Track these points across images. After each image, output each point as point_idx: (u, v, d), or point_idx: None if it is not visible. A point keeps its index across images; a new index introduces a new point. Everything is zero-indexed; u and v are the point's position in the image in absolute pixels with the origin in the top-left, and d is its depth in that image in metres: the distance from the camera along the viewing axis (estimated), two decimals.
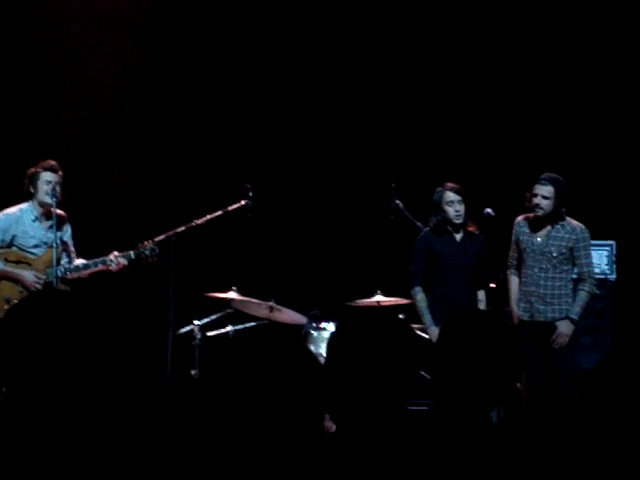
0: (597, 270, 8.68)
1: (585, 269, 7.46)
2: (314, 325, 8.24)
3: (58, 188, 7.28)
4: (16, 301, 7.06)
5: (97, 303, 2.77)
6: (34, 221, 7.37)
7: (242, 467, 2.51)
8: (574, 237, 7.40)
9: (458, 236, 7.68)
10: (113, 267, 7.45)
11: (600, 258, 8.87)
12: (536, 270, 7.41)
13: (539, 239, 7.42)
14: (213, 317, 8.27)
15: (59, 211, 7.34)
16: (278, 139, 9.82)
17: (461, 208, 7.58)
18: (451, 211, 7.58)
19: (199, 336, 8.07)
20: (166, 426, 2.83)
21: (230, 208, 8.17)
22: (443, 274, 7.62)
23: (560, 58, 9.73)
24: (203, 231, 8.13)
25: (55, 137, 9.29)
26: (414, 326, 7.61)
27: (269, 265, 9.49)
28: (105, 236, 8.21)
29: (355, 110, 9.87)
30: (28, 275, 7.26)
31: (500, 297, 7.63)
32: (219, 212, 8.12)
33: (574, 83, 9.71)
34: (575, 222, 7.45)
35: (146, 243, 7.57)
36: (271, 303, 8.25)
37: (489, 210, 7.64)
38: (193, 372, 7.96)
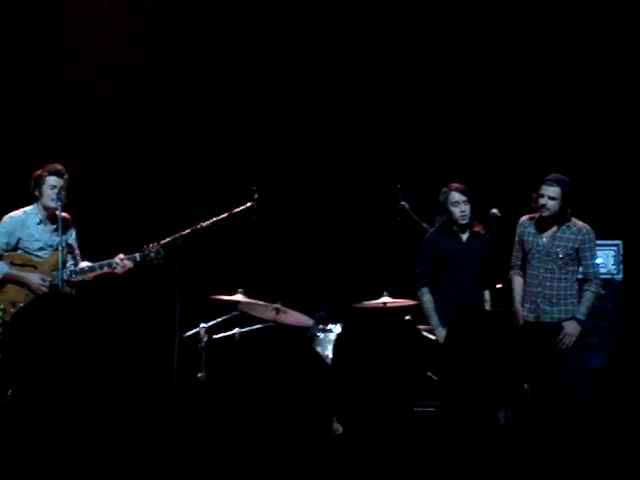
0: (604, 270, 8.67)
1: (591, 269, 7.46)
2: (320, 327, 8.23)
3: (63, 192, 7.28)
4: (22, 304, 7.09)
5: (103, 306, 2.76)
6: (39, 224, 7.37)
7: (249, 469, 2.50)
8: (580, 238, 7.39)
9: (464, 236, 7.67)
10: (118, 270, 7.45)
11: (607, 258, 8.86)
12: (542, 271, 7.40)
13: (544, 240, 7.40)
14: (219, 320, 8.27)
15: (64, 214, 7.34)
16: (283, 141, 9.82)
17: (467, 208, 7.57)
18: (457, 211, 7.57)
19: (205, 339, 8.08)
20: (173, 428, 2.83)
21: (236, 210, 8.18)
22: (450, 275, 7.61)
23: (566, 58, 9.72)
24: (209, 233, 8.13)
25: (60, 139, 9.30)
26: (421, 327, 7.60)
27: (275, 267, 9.49)
28: (111, 239, 8.21)
29: (360, 112, 9.87)
30: (34, 278, 7.26)
31: (506, 297, 7.61)
32: (225, 214, 8.12)
33: (580, 83, 9.70)
34: (580, 223, 7.44)
35: (151, 245, 7.57)
36: (277, 305, 8.25)
37: (495, 211, 7.63)
38: (200, 375, 7.96)
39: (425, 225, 8.07)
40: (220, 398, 2.57)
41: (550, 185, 7.29)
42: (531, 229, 7.46)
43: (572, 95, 9.71)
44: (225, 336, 8.29)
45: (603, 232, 8.34)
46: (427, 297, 7.63)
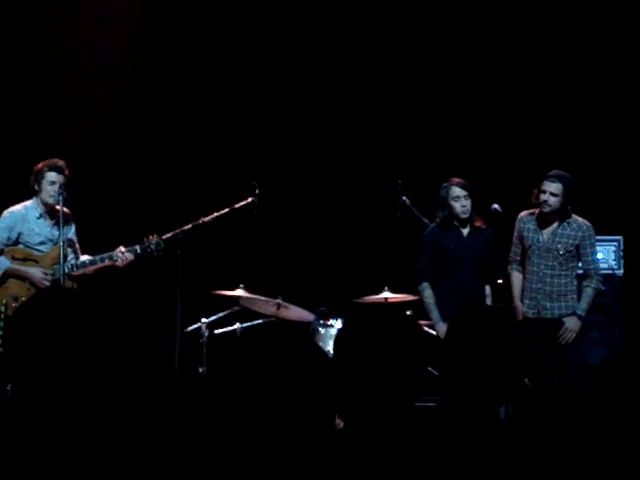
0: (604, 265, 8.67)
1: (592, 266, 7.46)
2: (321, 322, 8.24)
3: (64, 187, 7.26)
4: (24, 299, 7.10)
5: (105, 301, 2.77)
6: (39, 218, 7.37)
7: (250, 463, 2.51)
8: (580, 234, 7.39)
9: (465, 231, 7.66)
10: (119, 262, 7.45)
11: (607, 253, 8.86)
12: (542, 267, 7.40)
13: (545, 236, 7.40)
14: (220, 315, 8.28)
15: (64, 208, 7.33)
16: (284, 136, 9.81)
17: (467, 203, 7.57)
18: (457, 206, 7.57)
19: (207, 334, 8.09)
20: (174, 423, 2.83)
21: (237, 205, 8.17)
22: (450, 270, 7.61)
23: (567, 54, 9.71)
24: (210, 229, 8.13)
25: (62, 132, 9.29)
26: (422, 322, 7.61)
27: (276, 262, 9.49)
28: (112, 235, 8.20)
29: (361, 107, 9.86)
30: (36, 272, 7.27)
31: (507, 293, 7.61)
32: (226, 210, 8.12)
33: (580, 80, 9.69)
34: (580, 219, 7.43)
35: (151, 237, 7.57)
36: (278, 300, 8.25)
37: (496, 206, 7.63)
38: (201, 370, 7.98)
39: (426, 220, 8.06)
40: (221, 393, 2.57)
41: (552, 181, 7.28)
42: (531, 225, 7.45)
43: (572, 91, 9.70)
44: (226, 331, 8.30)
45: (604, 227, 8.34)
46: (428, 292, 7.62)
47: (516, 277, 7.58)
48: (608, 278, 8.53)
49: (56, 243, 7.33)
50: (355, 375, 2.73)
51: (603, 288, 7.69)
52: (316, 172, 9.75)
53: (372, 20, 9.84)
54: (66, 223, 7.37)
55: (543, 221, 7.41)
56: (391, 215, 8.36)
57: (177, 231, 7.83)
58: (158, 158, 9.66)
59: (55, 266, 7.31)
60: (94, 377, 2.61)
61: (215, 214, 8.07)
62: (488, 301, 7.64)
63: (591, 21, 9.65)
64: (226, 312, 8.30)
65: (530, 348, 6.94)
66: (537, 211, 7.43)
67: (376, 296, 8.35)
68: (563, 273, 7.40)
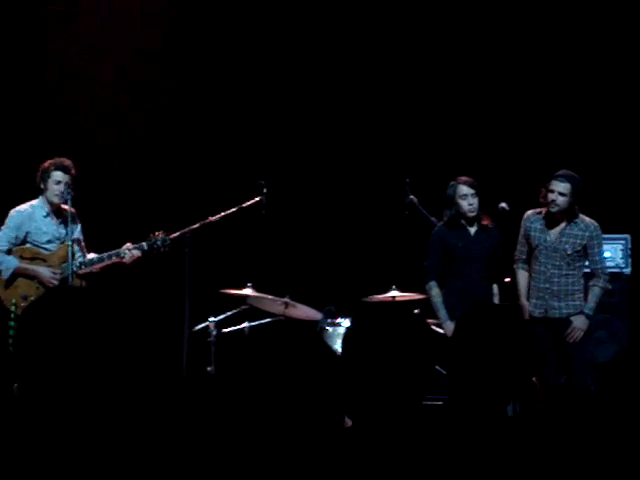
0: (612, 264, 8.66)
1: (599, 265, 7.46)
2: (329, 321, 8.24)
3: (71, 186, 7.27)
4: (33, 298, 7.12)
5: (113, 300, 2.78)
6: (45, 217, 7.39)
7: (257, 462, 2.52)
8: (587, 234, 7.38)
9: (472, 230, 7.66)
10: (127, 259, 7.47)
11: (615, 252, 8.85)
12: (549, 267, 7.40)
13: (552, 236, 7.40)
14: (229, 314, 8.29)
15: (68, 207, 7.35)
16: (291, 135, 9.82)
17: (475, 201, 7.57)
18: (465, 204, 7.57)
19: (215, 333, 8.10)
20: (183, 422, 2.84)
21: (244, 205, 8.18)
22: (458, 268, 7.61)
23: (574, 53, 9.70)
24: (218, 228, 8.14)
25: (69, 129, 9.30)
26: (429, 321, 7.61)
27: (284, 261, 9.49)
28: (121, 234, 8.21)
29: (369, 106, 9.86)
30: (45, 271, 7.29)
31: (515, 291, 7.61)
32: (234, 209, 8.13)
33: (588, 78, 9.68)
34: (588, 219, 7.43)
35: (157, 234, 7.60)
36: (286, 299, 8.26)
37: (504, 204, 7.63)
38: (209, 369, 7.99)
39: (433, 219, 8.07)
40: (229, 391, 2.58)
41: (561, 181, 7.28)
42: (538, 225, 7.44)
43: (579, 89, 9.69)
44: (234, 330, 8.31)
45: (611, 226, 8.34)
46: (435, 291, 7.62)
47: (522, 276, 7.58)
48: (615, 276, 8.52)
49: (63, 242, 7.35)
50: (363, 374, 2.74)
51: (610, 287, 7.69)
52: (324, 171, 9.75)
53: (381, 19, 9.84)
54: (72, 222, 7.38)
55: (551, 221, 7.40)
56: (399, 214, 8.36)
57: (185, 230, 7.84)
58: (166, 157, 9.67)
59: (63, 265, 7.33)
60: (102, 376, 2.62)
61: (223, 213, 8.08)
62: (496, 300, 7.64)
63: (601, 17, 9.63)
64: (234, 311, 8.30)
65: (538, 347, 6.95)
66: (544, 210, 7.42)
67: (384, 295, 8.35)
68: (570, 273, 7.39)
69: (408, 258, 8.75)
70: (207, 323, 8.14)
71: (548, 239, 7.39)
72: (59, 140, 8.85)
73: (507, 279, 7.79)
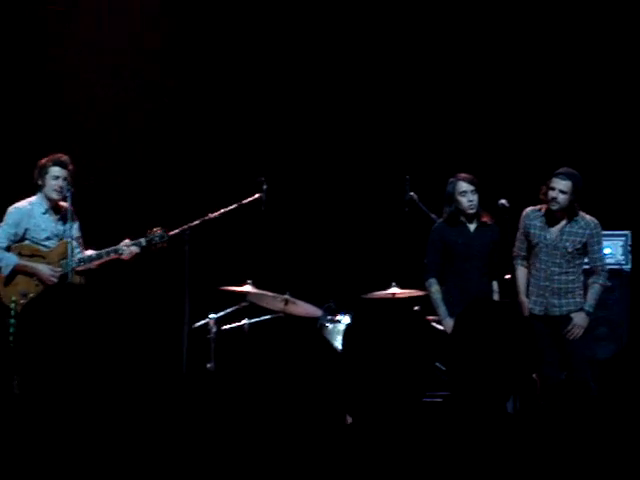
0: (612, 260, 8.66)
1: (599, 262, 7.47)
2: (329, 318, 8.24)
3: (68, 180, 7.27)
4: (32, 295, 7.11)
5: (113, 297, 2.78)
6: (44, 214, 7.39)
7: (257, 459, 2.52)
8: (588, 232, 7.38)
9: (472, 226, 7.67)
10: (125, 255, 7.48)
11: (615, 248, 8.85)
12: (550, 265, 7.39)
13: (553, 234, 7.39)
14: (228, 310, 8.29)
15: (66, 204, 7.35)
16: (291, 132, 9.82)
17: (474, 198, 7.57)
18: (464, 201, 7.57)
19: (215, 329, 8.10)
20: (182, 419, 2.84)
21: (244, 201, 8.18)
22: (457, 265, 7.61)
23: (572, 49, 9.70)
24: (218, 225, 8.14)
25: (68, 126, 9.30)
26: (429, 318, 7.61)
27: (284, 258, 9.50)
28: (120, 231, 8.21)
29: (369, 103, 9.86)
30: (44, 269, 7.29)
31: (515, 288, 7.61)
32: (233, 205, 8.13)
33: (587, 75, 9.67)
34: (588, 216, 7.43)
35: (155, 230, 7.61)
36: (286, 296, 8.26)
37: (503, 201, 7.63)
38: (209, 365, 7.98)
39: (433, 216, 8.07)
40: (229, 388, 2.58)
41: (562, 179, 7.27)
42: (537, 222, 7.44)
43: (579, 85, 9.69)
44: (234, 327, 8.31)
45: (611, 222, 8.34)
46: (435, 288, 7.63)
47: (521, 272, 7.58)
48: (616, 273, 8.53)
49: (62, 238, 7.36)
50: (363, 371, 2.73)
51: (609, 284, 7.69)
52: (323, 168, 9.75)
53: (380, 16, 9.84)
54: (70, 219, 7.38)
55: (551, 218, 7.39)
56: (398, 211, 8.36)
57: (185, 227, 7.85)
58: (166, 154, 9.67)
59: (62, 262, 7.33)
60: (102, 373, 2.62)
61: (223, 210, 8.08)
62: (496, 297, 7.64)
63: (600, 13, 9.63)
64: (234, 308, 8.30)
65: (538, 343, 6.95)
66: (544, 207, 7.42)
67: (384, 292, 8.35)
68: (570, 270, 7.40)
69: (408, 255, 8.75)
70: (207, 320, 8.14)
71: (548, 237, 7.39)
72: (59, 139, 8.83)
73: (507, 276, 7.78)
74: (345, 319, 8.18)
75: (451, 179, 7.64)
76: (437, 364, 2.87)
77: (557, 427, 2.91)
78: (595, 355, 8.21)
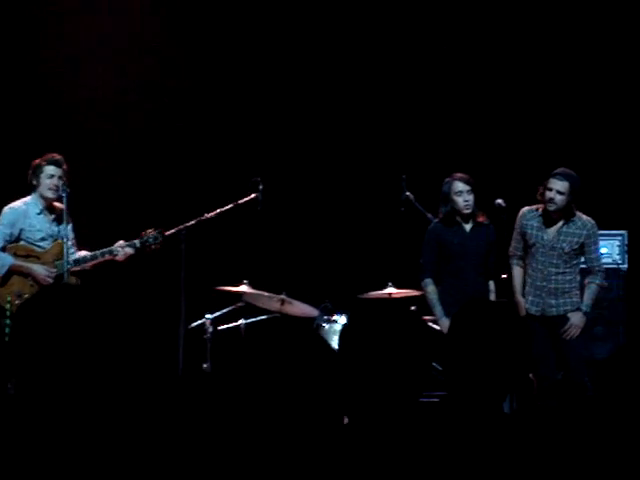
0: (609, 260, 8.67)
1: (596, 262, 7.48)
2: (325, 318, 8.24)
3: (64, 180, 7.27)
4: (27, 295, 7.10)
5: (109, 297, 2.77)
6: (39, 214, 7.39)
7: (254, 461, 2.51)
8: (585, 232, 7.39)
9: (467, 226, 7.67)
10: (120, 256, 7.49)
11: (612, 248, 8.86)
12: (546, 265, 7.40)
13: (550, 235, 7.39)
14: (225, 311, 8.29)
15: (59, 204, 7.35)
16: (287, 132, 9.82)
17: (470, 198, 7.58)
18: (460, 201, 7.57)
19: (211, 330, 8.09)
20: (178, 419, 2.84)
21: (240, 201, 8.18)
22: (453, 265, 7.62)
23: (569, 50, 9.70)
24: (213, 225, 8.13)
25: (63, 126, 9.29)
26: (426, 318, 7.61)
27: (280, 258, 9.49)
28: (116, 232, 8.21)
29: (365, 103, 9.86)
30: (39, 269, 7.28)
31: (511, 288, 7.61)
32: (229, 205, 8.13)
33: (584, 75, 9.68)
34: (584, 217, 7.43)
35: (149, 231, 7.61)
36: (282, 296, 8.26)
37: (500, 201, 7.64)
38: (205, 366, 7.98)
39: (430, 215, 8.07)
40: (225, 389, 2.57)
41: (559, 179, 7.28)
42: (534, 222, 7.44)
43: (575, 86, 9.70)
44: (230, 327, 8.31)
45: (608, 222, 8.35)
46: (431, 288, 7.63)
47: (517, 272, 7.58)
48: (612, 272, 8.54)
49: (56, 239, 7.36)
50: (359, 371, 2.73)
51: (606, 284, 7.71)
52: (320, 168, 9.75)
53: (376, 17, 9.83)
54: (63, 219, 7.37)
55: (548, 219, 7.40)
56: (395, 210, 8.36)
57: (181, 227, 7.85)
58: (161, 154, 9.67)
59: (57, 262, 7.33)
60: (98, 374, 2.61)
61: (219, 210, 8.08)
62: (492, 296, 7.64)
63: (598, 16, 9.64)
64: (230, 308, 8.30)
65: (534, 343, 6.95)
66: (541, 208, 7.42)
67: (380, 292, 8.35)
68: (567, 270, 7.40)
69: (404, 255, 8.75)
70: (203, 320, 8.13)
71: (545, 237, 7.39)
72: (58, 139, 8.83)
73: (503, 276, 7.79)
74: (341, 319, 8.17)
75: (447, 179, 7.64)
76: (434, 364, 2.86)
77: (554, 427, 2.90)
78: (592, 355, 8.21)
